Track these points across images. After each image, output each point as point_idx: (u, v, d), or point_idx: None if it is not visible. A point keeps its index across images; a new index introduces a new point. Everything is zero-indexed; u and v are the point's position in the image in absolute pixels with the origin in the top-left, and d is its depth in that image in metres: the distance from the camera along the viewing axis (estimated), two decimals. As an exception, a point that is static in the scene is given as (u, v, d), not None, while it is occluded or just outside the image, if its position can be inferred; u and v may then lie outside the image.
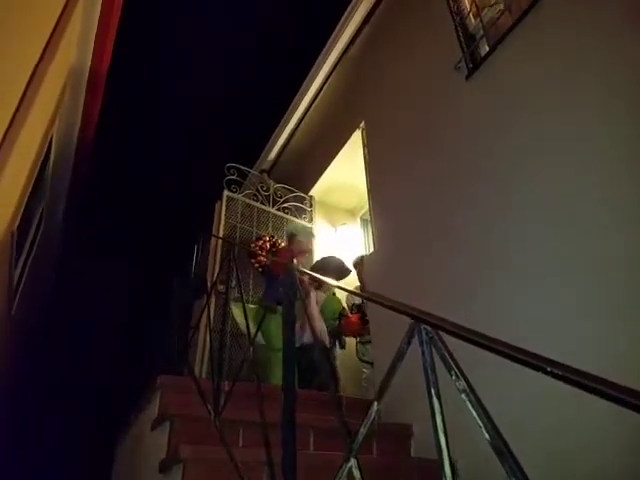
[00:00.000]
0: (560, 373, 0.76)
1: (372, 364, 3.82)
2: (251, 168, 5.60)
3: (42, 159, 3.71)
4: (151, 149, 8.31)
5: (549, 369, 0.77)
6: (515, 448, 0.85)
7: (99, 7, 3.54)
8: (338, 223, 5.55)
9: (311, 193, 5.46)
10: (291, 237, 4.14)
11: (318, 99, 5.43)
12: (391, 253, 3.58)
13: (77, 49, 3.79)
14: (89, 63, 3.97)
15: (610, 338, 1.88)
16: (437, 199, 3.18)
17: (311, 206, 5.39)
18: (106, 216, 8.03)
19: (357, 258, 4.37)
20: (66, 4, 2.97)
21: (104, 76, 4.22)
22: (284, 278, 1.65)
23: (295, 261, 1.69)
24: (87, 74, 4.06)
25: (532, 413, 2.05)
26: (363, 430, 1.04)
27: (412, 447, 2.58)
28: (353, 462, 1.04)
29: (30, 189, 3.42)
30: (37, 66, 2.56)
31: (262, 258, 4.38)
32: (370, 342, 3.86)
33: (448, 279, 2.86)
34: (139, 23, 5.65)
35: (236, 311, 3.65)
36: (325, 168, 5.19)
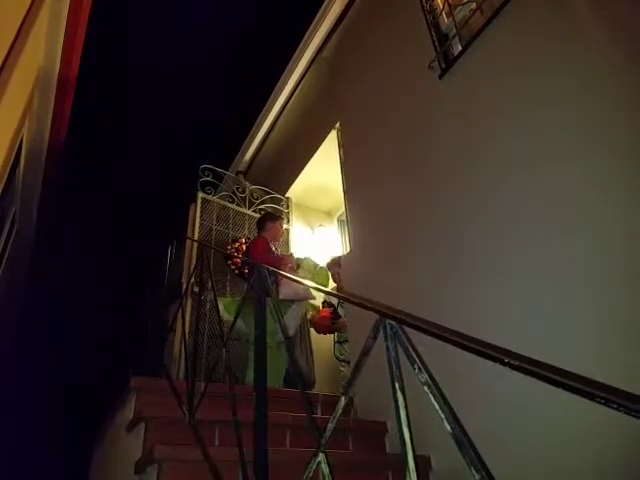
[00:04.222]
0: (516, 364, 0.79)
1: (349, 363, 3.87)
2: (226, 170, 5.57)
3: (12, 162, 3.64)
4: (123, 151, 8.21)
5: (506, 360, 0.80)
6: (484, 443, 0.88)
7: (67, 6, 3.48)
8: (315, 224, 5.57)
9: (288, 194, 5.45)
10: (266, 221, 4.15)
11: (293, 100, 5.43)
12: (367, 254, 3.60)
13: (45, 49, 3.72)
14: (58, 64, 3.90)
15: (582, 340, 1.94)
16: (412, 200, 3.21)
17: (288, 207, 5.38)
18: (79, 219, 7.89)
19: (332, 259, 4.39)
20: (32, 3, 2.92)
21: (74, 77, 4.15)
22: (254, 281, 1.66)
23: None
24: (57, 75, 3.99)
25: (503, 408, 2.10)
26: (331, 425, 1.06)
27: (387, 443, 2.62)
28: (322, 457, 1.05)
29: (1, 191, 3.35)
30: (2, 67, 2.51)
31: (238, 260, 4.38)
32: (347, 341, 3.90)
33: (422, 281, 2.88)
34: (109, 23, 5.58)
35: (222, 307, 3.61)
36: (301, 169, 5.20)
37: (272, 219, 4.19)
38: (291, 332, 3.68)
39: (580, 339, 1.92)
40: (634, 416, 0.58)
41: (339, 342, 4.21)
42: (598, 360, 1.79)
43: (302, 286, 3.51)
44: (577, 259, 2.02)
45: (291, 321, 3.69)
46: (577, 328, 1.95)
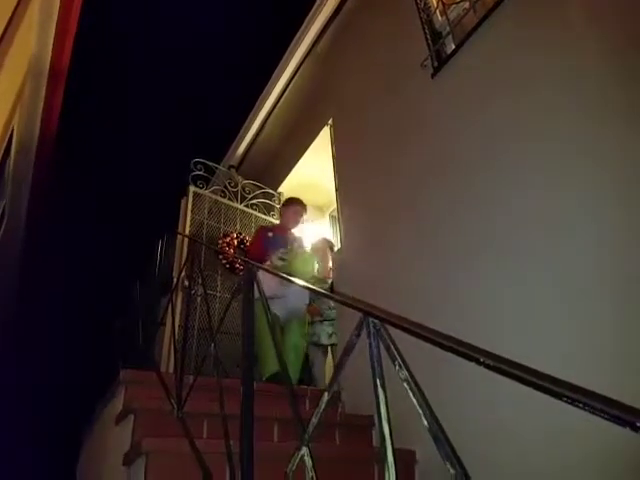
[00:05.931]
0: (492, 364, 0.82)
1: (322, 346, 3.95)
2: (219, 164, 5.56)
3: (2, 153, 3.62)
4: (115, 143, 8.16)
5: (482, 360, 0.83)
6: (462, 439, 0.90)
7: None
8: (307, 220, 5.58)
9: (280, 190, 5.46)
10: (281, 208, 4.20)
11: (285, 95, 5.43)
12: (358, 250, 3.63)
13: (37, 38, 3.69)
14: (50, 52, 3.86)
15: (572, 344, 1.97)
16: (403, 197, 3.23)
17: (280, 203, 5.39)
18: (70, 211, 7.86)
19: (322, 240, 4.41)
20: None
21: (66, 66, 4.12)
22: (243, 276, 1.68)
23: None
24: (48, 64, 3.95)
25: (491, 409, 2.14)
26: (314, 420, 1.09)
27: (374, 437, 2.65)
28: (305, 450, 1.08)
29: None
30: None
31: (229, 254, 4.38)
32: (321, 322, 3.95)
33: (413, 278, 2.90)
34: (103, 10, 5.54)
35: None
36: (294, 165, 5.20)
37: (285, 204, 4.17)
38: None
39: (576, 340, 1.94)
40: (596, 414, 0.61)
41: (311, 323, 4.05)
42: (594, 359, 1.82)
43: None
44: (577, 260, 2.03)
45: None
46: (574, 329, 1.97)
